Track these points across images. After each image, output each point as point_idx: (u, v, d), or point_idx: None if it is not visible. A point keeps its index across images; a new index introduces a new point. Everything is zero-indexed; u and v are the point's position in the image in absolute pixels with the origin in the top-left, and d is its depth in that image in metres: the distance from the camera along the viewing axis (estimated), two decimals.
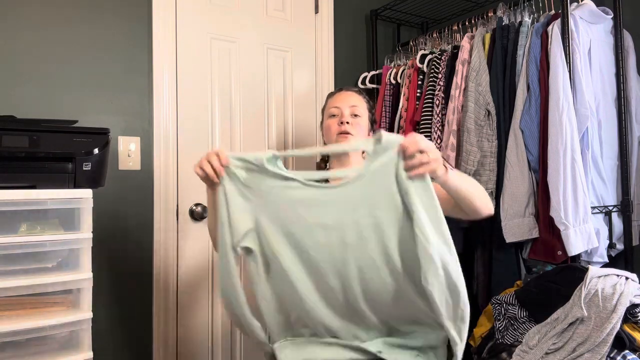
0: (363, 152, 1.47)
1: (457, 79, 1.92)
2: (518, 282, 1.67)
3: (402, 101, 2.21)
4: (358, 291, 1.10)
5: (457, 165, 1.90)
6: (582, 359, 1.26)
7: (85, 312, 1.34)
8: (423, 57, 2.13)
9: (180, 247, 2.01)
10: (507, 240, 1.76)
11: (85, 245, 1.37)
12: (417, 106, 2.12)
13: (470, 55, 1.91)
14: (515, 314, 1.52)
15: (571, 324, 1.32)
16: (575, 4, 1.76)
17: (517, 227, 1.75)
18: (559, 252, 1.65)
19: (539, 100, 1.72)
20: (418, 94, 2.14)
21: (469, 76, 1.88)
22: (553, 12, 1.81)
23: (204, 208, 2.04)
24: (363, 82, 2.47)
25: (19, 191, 1.29)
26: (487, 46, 1.90)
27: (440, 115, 2.00)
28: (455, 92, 1.92)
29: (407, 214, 1.01)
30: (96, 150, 1.41)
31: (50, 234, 1.33)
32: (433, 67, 2.07)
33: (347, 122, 1.46)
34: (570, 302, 1.36)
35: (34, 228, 1.33)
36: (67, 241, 1.35)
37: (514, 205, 1.75)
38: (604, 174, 1.79)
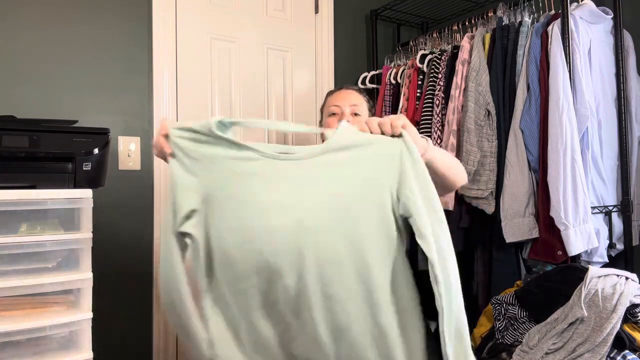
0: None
1: (457, 79, 1.92)
2: (518, 282, 1.67)
3: (402, 101, 2.21)
4: (317, 297, 0.90)
5: None
6: (582, 359, 1.26)
7: (85, 312, 1.34)
8: (423, 57, 2.13)
9: None
10: (507, 240, 1.76)
11: (85, 245, 1.37)
12: (417, 106, 2.12)
13: (470, 55, 1.91)
14: (515, 314, 1.52)
15: (571, 324, 1.32)
16: (575, 4, 1.76)
17: (517, 227, 1.74)
18: (559, 252, 1.65)
19: (539, 100, 1.72)
20: (418, 94, 2.14)
21: (469, 76, 1.88)
22: (553, 12, 1.81)
23: None
24: (363, 82, 2.46)
25: (19, 191, 1.29)
26: (487, 46, 1.90)
27: (440, 115, 2.00)
28: (455, 92, 1.92)
29: (392, 200, 0.90)
30: (96, 150, 1.41)
31: (50, 234, 1.33)
32: (433, 67, 2.07)
33: (348, 121, 1.46)
34: (570, 302, 1.36)
35: (34, 228, 1.33)
36: (67, 241, 1.35)
37: (514, 205, 1.75)
38: (604, 174, 1.79)
